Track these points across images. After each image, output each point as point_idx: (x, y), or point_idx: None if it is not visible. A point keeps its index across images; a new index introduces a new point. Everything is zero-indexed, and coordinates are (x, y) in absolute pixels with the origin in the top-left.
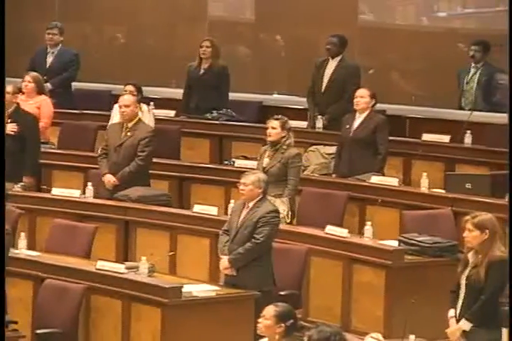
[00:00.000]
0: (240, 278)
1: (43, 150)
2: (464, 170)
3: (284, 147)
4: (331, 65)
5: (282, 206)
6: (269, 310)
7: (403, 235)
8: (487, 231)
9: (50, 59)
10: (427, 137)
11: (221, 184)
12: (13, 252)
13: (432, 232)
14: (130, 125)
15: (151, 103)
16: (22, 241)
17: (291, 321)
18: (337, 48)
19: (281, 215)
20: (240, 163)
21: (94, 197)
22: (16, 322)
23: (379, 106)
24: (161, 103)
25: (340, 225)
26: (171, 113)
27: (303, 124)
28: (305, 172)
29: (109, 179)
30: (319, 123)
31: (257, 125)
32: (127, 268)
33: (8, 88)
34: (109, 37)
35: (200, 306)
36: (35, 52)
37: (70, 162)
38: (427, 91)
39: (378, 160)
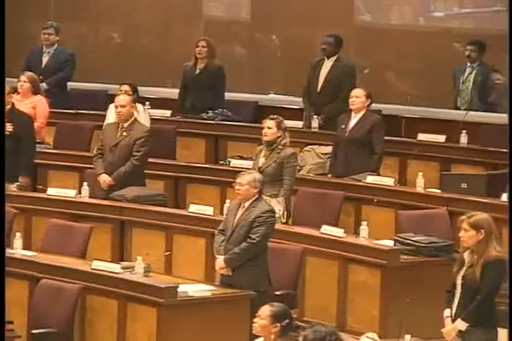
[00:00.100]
0: (235, 278)
1: (38, 150)
2: (459, 169)
3: (280, 147)
4: (327, 65)
5: (278, 206)
6: (265, 310)
7: (399, 235)
8: (483, 231)
9: (45, 59)
10: (422, 137)
11: (217, 184)
12: (8, 252)
13: (427, 232)
14: (126, 125)
15: (147, 103)
16: (17, 241)
17: (287, 321)
18: (333, 48)
19: (276, 215)
20: (235, 162)
21: (90, 197)
22: (11, 322)
23: (374, 106)
24: (156, 103)
25: (335, 225)
26: (167, 113)
27: (298, 124)
28: (301, 172)
29: (105, 179)
30: (315, 123)
31: (253, 125)
32: (123, 268)
33: None
34: (105, 37)
35: (196, 306)
36: (31, 52)
37: (65, 162)
38: (423, 91)
39: (374, 160)
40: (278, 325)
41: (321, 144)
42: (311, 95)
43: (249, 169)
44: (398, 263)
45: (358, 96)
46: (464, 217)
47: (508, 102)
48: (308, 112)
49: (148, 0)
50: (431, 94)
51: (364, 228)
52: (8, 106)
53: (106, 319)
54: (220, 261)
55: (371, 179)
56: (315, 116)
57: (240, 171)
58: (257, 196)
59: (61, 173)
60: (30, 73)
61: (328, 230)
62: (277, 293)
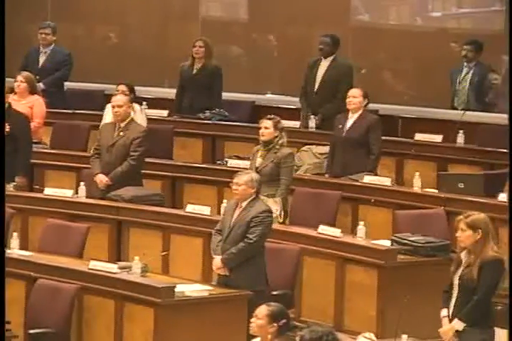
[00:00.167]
0: (232, 277)
1: (35, 150)
2: (456, 169)
3: (277, 147)
4: (324, 65)
5: (275, 206)
6: (262, 310)
7: (396, 235)
8: (480, 230)
9: (42, 59)
10: (419, 137)
11: (214, 184)
12: (5, 252)
13: (424, 232)
14: (122, 125)
15: (144, 103)
16: (14, 241)
17: (284, 321)
18: (330, 48)
19: (273, 215)
20: (232, 162)
21: (87, 197)
22: (8, 323)
23: (371, 105)
24: (153, 103)
25: (333, 225)
26: (164, 113)
27: (296, 124)
28: (298, 172)
29: (101, 179)
30: (312, 123)
31: (250, 125)
32: (120, 268)
33: None
34: (101, 37)
35: (193, 306)
36: (28, 51)
37: (62, 162)
38: (420, 91)
39: (371, 160)
40: (275, 324)
41: (318, 144)
42: (308, 95)
43: (246, 169)
44: (395, 263)
45: (354, 96)
46: (461, 217)
47: (506, 102)
48: (305, 112)
49: (145, 0)
50: (428, 94)
51: (361, 228)
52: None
53: (103, 319)
54: (217, 261)
55: (368, 179)
56: (312, 116)
57: (237, 171)
58: (254, 196)
59: (58, 173)
60: (27, 73)
61: (325, 230)
62: (274, 292)
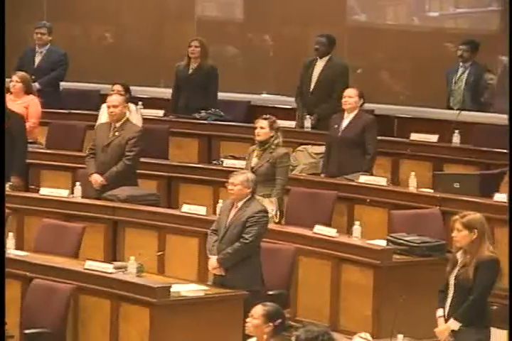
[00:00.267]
0: (228, 277)
1: (31, 150)
2: (452, 169)
3: (273, 147)
4: (320, 65)
5: (271, 206)
6: (258, 310)
7: (391, 235)
8: (476, 230)
9: (38, 58)
10: (415, 137)
11: (209, 184)
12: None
13: (420, 232)
14: (118, 125)
15: (139, 103)
16: (10, 241)
17: (280, 320)
18: (325, 48)
19: (269, 215)
20: (228, 162)
21: (83, 196)
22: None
23: (367, 105)
24: (149, 103)
25: (328, 225)
26: (160, 113)
27: (291, 124)
28: (293, 172)
29: (97, 179)
30: (307, 122)
31: (246, 125)
32: (115, 268)
33: None
34: (97, 37)
35: (189, 306)
36: (23, 51)
37: (58, 162)
38: (416, 91)
39: (367, 160)
40: (271, 324)
41: (313, 144)
42: (303, 95)
43: (242, 169)
44: (391, 263)
45: (350, 96)
46: (456, 217)
47: (501, 102)
48: (300, 112)
49: (141, 0)
50: (423, 94)
51: (357, 228)
52: None
53: (99, 319)
54: (213, 260)
55: (364, 179)
56: (308, 116)
57: (233, 171)
58: (249, 196)
59: (54, 173)
60: (23, 73)
61: (320, 230)
62: (270, 292)
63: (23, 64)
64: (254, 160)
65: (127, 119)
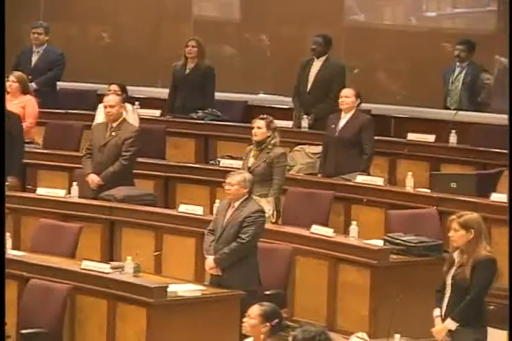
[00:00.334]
0: (225, 277)
1: (28, 150)
2: (449, 169)
3: (270, 147)
4: (316, 65)
5: (267, 206)
6: (255, 310)
7: (388, 234)
8: (472, 230)
9: (35, 58)
10: (412, 137)
11: (206, 184)
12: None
13: (417, 232)
14: (115, 125)
15: (136, 103)
16: (7, 241)
17: (277, 320)
18: (322, 48)
19: (266, 215)
20: (225, 162)
21: (80, 196)
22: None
23: (364, 105)
24: (146, 102)
25: (325, 225)
26: (157, 112)
27: (288, 124)
28: (290, 172)
29: (93, 179)
30: (305, 122)
31: (243, 125)
32: (112, 268)
33: None
34: (94, 36)
35: (186, 306)
36: (20, 51)
37: (55, 162)
38: (413, 91)
39: (364, 160)
40: (268, 324)
41: (310, 144)
42: (300, 95)
43: (239, 169)
44: (388, 262)
45: (347, 96)
46: (453, 217)
47: (498, 102)
48: (298, 112)
49: (138, 0)
50: (420, 94)
51: (354, 228)
52: None
53: (95, 319)
54: (209, 260)
55: (361, 179)
56: (305, 116)
57: (230, 171)
58: (246, 196)
59: (51, 173)
60: (19, 73)
61: (317, 230)
62: (267, 292)
63: (19, 63)
64: (251, 160)
65: (124, 119)
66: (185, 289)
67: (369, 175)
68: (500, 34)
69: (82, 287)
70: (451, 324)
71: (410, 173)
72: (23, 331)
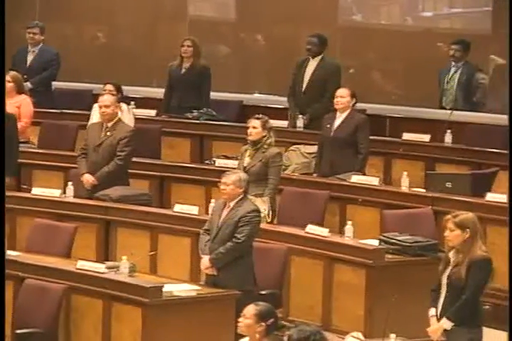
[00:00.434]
0: (220, 277)
1: (23, 149)
2: (444, 169)
3: (265, 146)
4: (312, 65)
5: (263, 205)
6: (250, 309)
7: (384, 234)
8: (468, 230)
9: (30, 58)
10: (407, 136)
11: (202, 183)
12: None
13: (412, 231)
14: (110, 125)
15: (132, 102)
16: None
17: (272, 320)
18: (317, 48)
19: (261, 215)
20: (220, 162)
21: (75, 196)
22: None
23: (359, 105)
24: (142, 102)
25: (320, 224)
26: (152, 112)
27: (284, 124)
28: (286, 172)
29: (88, 179)
30: (300, 122)
31: (238, 124)
32: (108, 267)
33: None
34: (89, 36)
35: (181, 306)
36: (16, 51)
37: (50, 161)
38: (408, 91)
39: (359, 160)
40: (263, 324)
41: (306, 144)
42: (296, 95)
43: (234, 169)
44: (383, 262)
45: (342, 96)
46: (449, 217)
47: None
48: (293, 112)
49: (133, 0)
50: (416, 94)
51: (349, 227)
52: None
53: (91, 319)
54: (205, 260)
55: (356, 178)
56: (300, 116)
57: (225, 171)
58: (242, 196)
59: (46, 173)
60: (14, 72)
61: (313, 229)
62: (262, 292)
63: (14, 63)
64: (247, 160)
65: (119, 119)
66: (180, 289)
67: (364, 174)
68: (495, 34)
69: (77, 287)
70: (446, 323)
71: (405, 173)
72: (19, 331)
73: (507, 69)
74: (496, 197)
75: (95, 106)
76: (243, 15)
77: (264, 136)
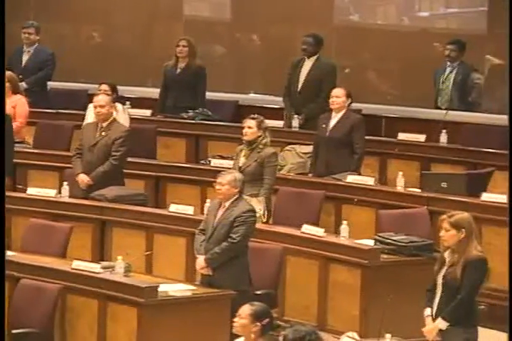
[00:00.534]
0: (216, 277)
1: (18, 149)
2: (439, 169)
3: (261, 146)
4: (307, 65)
5: (258, 205)
6: (245, 309)
7: (379, 234)
8: (463, 230)
9: (25, 58)
10: (402, 136)
11: (197, 183)
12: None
13: (407, 231)
14: (105, 125)
15: (127, 102)
16: None
17: (267, 320)
18: (313, 48)
19: (257, 215)
20: (216, 162)
21: (70, 196)
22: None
23: (355, 105)
24: (137, 102)
25: (316, 224)
26: (147, 112)
27: (279, 124)
28: (281, 172)
29: (83, 179)
30: (295, 122)
31: (233, 124)
32: (103, 267)
33: None
34: (85, 36)
35: (177, 306)
36: (12, 51)
37: (45, 161)
38: (403, 91)
39: (355, 160)
40: (258, 324)
41: (301, 144)
42: (291, 95)
43: (229, 169)
44: (379, 262)
45: (338, 96)
46: (444, 217)
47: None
48: (288, 112)
49: (129, 0)
50: (411, 94)
51: (344, 227)
52: None
53: (86, 319)
54: (200, 260)
55: (352, 178)
56: (295, 116)
57: (221, 171)
58: (237, 196)
59: (41, 173)
60: (10, 72)
61: (308, 229)
62: (258, 292)
63: (10, 63)
64: (242, 160)
65: (114, 119)
66: (176, 289)
67: (360, 174)
68: (491, 34)
69: (72, 287)
70: (441, 323)
71: (401, 173)
72: (14, 331)
73: (506, 69)
74: (491, 197)
75: (90, 106)
76: (239, 16)
77: (260, 136)
